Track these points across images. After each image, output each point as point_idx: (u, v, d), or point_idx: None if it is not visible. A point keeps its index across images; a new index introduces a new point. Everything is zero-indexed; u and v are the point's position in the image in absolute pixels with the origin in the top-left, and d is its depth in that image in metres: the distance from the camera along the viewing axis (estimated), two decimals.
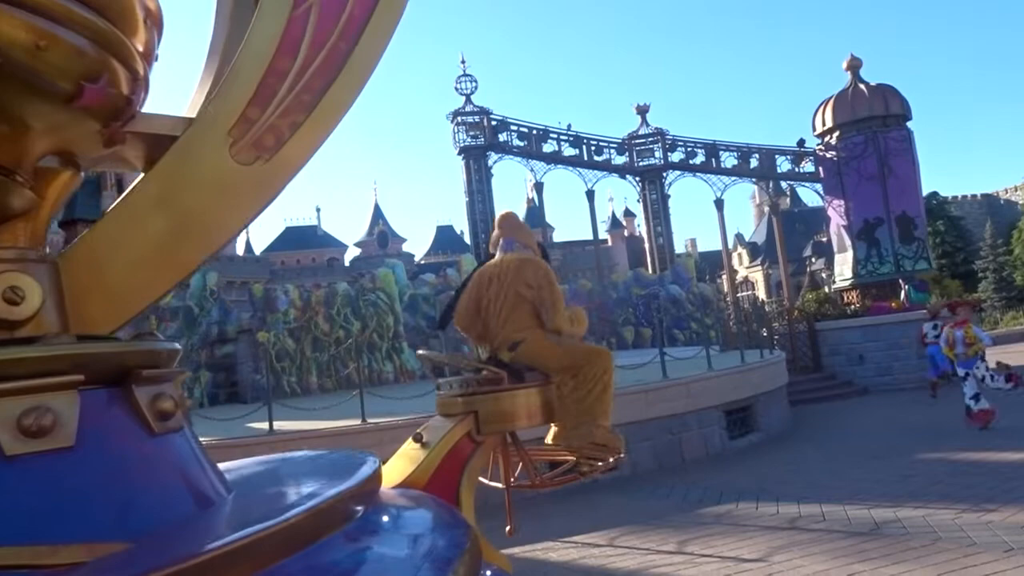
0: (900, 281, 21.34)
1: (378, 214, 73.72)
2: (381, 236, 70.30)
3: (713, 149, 26.18)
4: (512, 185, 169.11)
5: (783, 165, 25.69)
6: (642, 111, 26.94)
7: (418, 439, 2.87)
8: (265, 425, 9.98)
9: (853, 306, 22.40)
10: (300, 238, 69.10)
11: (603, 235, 57.98)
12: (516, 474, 3.13)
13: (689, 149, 26.45)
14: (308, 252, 67.87)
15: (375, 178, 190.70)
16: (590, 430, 2.99)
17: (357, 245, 72.31)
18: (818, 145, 24.35)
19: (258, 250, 67.42)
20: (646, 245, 29.11)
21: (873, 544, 6.24)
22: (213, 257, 1.60)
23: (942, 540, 6.10)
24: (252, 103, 1.49)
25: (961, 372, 11.62)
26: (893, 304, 20.78)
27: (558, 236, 63.56)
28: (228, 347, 19.21)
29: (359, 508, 1.50)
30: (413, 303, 21.18)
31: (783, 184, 30.17)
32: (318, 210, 78.26)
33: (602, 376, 3.02)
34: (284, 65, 1.52)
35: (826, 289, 28.28)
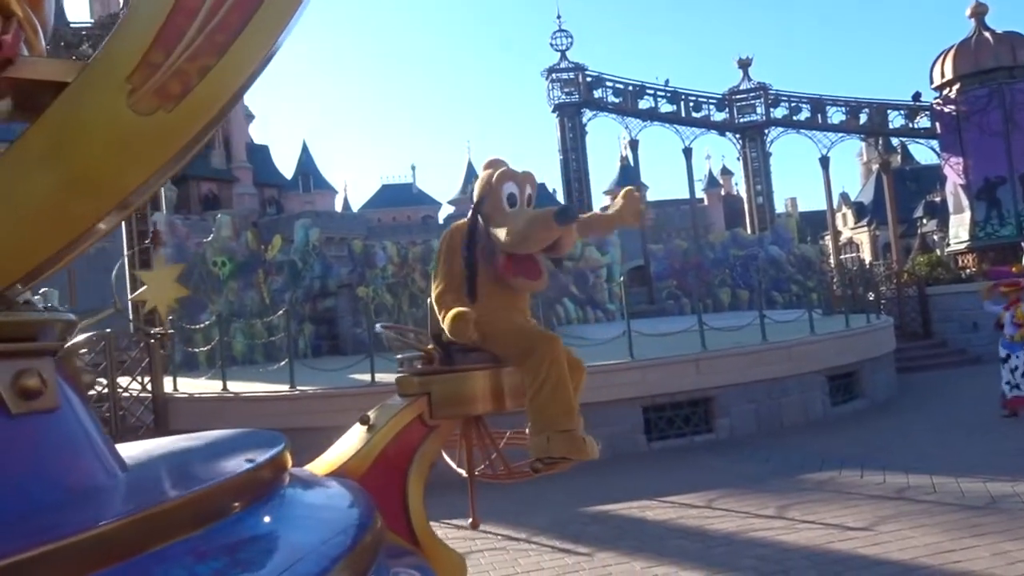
0: (1022, 244, 20.03)
1: (471, 172, 73.99)
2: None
3: (819, 104, 25.04)
4: (606, 143, 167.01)
5: (896, 120, 24.38)
6: (744, 65, 25.99)
7: (364, 421, 2.63)
8: (367, 376, 10.32)
9: (968, 270, 21.22)
10: (396, 195, 70.36)
11: (699, 194, 56.61)
12: (489, 461, 2.90)
13: (793, 104, 25.39)
14: (403, 209, 69.05)
15: (468, 137, 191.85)
16: (544, 441, 2.59)
17: (451, 203, 73.05)
18: (936, 99, 22.92)
19: (355, 207, 69.07)
20: (745, 205, 28.29)
21: (989, 519, 5.98)
22: (117, 212, 1.41)
23: None
24: (155, 45, 1.30)
25: (1003, 353, 10.34)
26: (1014, 269, 19.52)
27: (652, 195, 62.37)
28: (329, 301, 19.86)
29: (237, 502, 1.39)
30: None
31: (894, 141, 28.63)
32: (413, 168, 79.68)
33: (548, 369, 2.59)
34: (194, 1, 1.33)
35: (938, 252, 26.84)
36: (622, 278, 15.91)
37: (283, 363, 11.07)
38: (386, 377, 10.64)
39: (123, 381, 11.25)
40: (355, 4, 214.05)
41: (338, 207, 64.94)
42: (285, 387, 10.37)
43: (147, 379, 11.33)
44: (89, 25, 19.41)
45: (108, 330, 11.82)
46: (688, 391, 10.61)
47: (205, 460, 1.75)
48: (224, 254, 18.59)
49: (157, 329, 10.41)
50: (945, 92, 22.43)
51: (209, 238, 18.97)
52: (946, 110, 22.25)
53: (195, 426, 10.70)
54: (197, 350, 14.95)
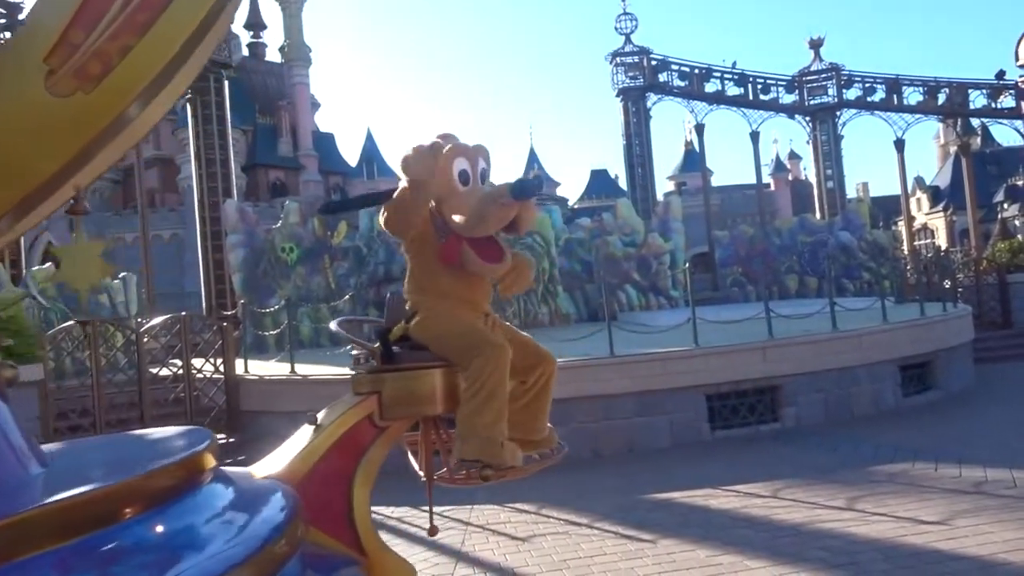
0: None
1: (533, 158, 74.01)
2: (536, 179, 70.72)
3: (895, 84, 24.16)
4: (671, 127, 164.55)
5: (977, 100, 23.38)
6: (815, 45, 25.23)
7: (311, 421, 2.48)
8: None
9: None
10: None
11: (766, 179, 55.32)
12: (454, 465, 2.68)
13: (868, 85, 24.57)
14: None
15: (531, 121, 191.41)
16: (462, 445, 2.46)
17: None
18: (1021, 77, 21.86)
19: None
20: (814, 190, 27.55)
21: None
22: (51, 199, 1.32)
23: None
24: (75, 24, 1.22)
25: None
26: None
27: (717, 180, 61.24)
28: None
29: (128, 508, 1.30)
30: (568, 247, 21.21)
31: (974, 122, 27.43)
32: None
33: (488, 377, 2.43)
34: None
35: (1020, 238, 25.66)
36: (686, 264, 15.71)
37: (349, 347, 11.26)
38: None
39: (197, 363, 11.64)
40: None
41: None
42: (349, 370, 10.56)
43: (220, 361, 11.70)
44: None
45: (184, 312, 12.25)
46: (754, 379, 10.43)
47: (111, 463, 1.64)
48: (292, 240, 19.00)
49: (231, 312, 10.73)
50: None
51: (277, 225, 19.42)
52: None
53: (265, 407, 11.00)
54: (267, 333, 15.36)
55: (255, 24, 57.19)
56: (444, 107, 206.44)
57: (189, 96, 19.32)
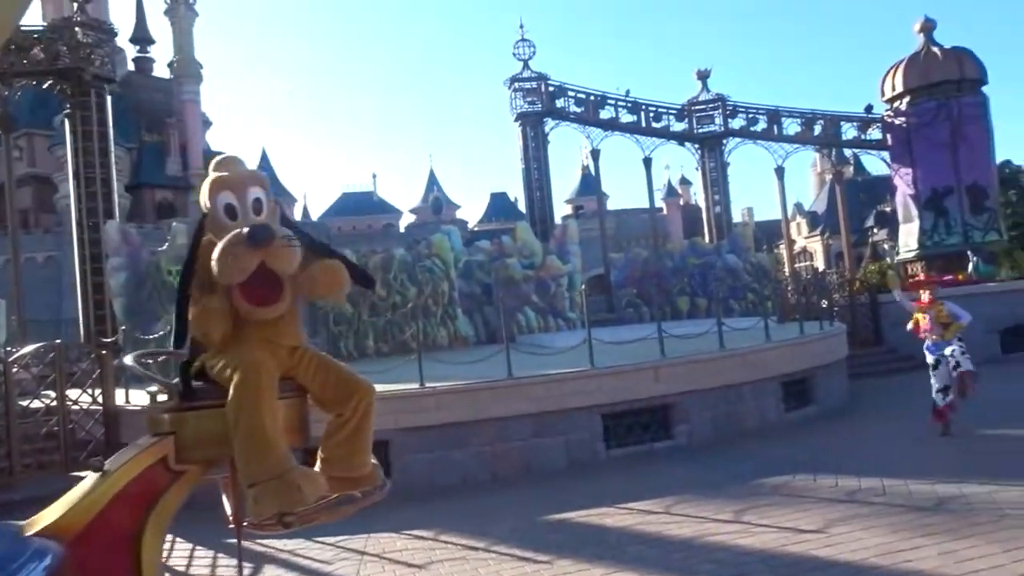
0: (968, 253, 20.65)
1: (433, 181, 74.00)
2: (435, 203, 70.68)
3: (775, 115, 25.54)
4: (568, 152, 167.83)
5: (848, 132, 24.96)
6: (703, 76, 26.39)
7: (98, 467, 2.27)
8: None
9: (917, 278, 21.76)
10: (356, 204, 69.90)
11: (658, 203, 57.19)
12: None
13: (750, 115, 25.86)
14: (364, 218, 68.57)
15: (430, 145, 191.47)
16: (252, 503, 2.29)
17: (412, 212, 72.81)
18: (886, 111, 23.56)
19: (315, 216, 68.49)
20: (703, 214, 28.67)
21: (937, 519, 6.15)
22: None
23: (1009, 517, 5.98)
24: None
25: (931, 359, 9.79)
26: (959, 277, 20.13)
27: (612, 204, 62.96)
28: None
29: None
30: (467, 269, 21.29)
31: (847, 152, 29.31)
32: (374, 176, 79.16)
33: (243, 400, 2.23)
34: None
35: (888, 260, 27.50)
36: (583, 287, 16.04)
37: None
38: None
39: (73, 393, 10.98)
40: (315, 11, 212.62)
41: (297, 216, 64.31)
42: None
43: (98, 392, 11.07)
44: (41, 28, 18.97)
45: (58, 340, 11.54)
46: (647, 398, 10.71)
47: None
48: (179, 263, 18.25)
49: (111, 339, 10.19)
50: (895, 105, 23.05)
51: (164, 247, 18.64)
52: (896, 122, 22.87)
53: None
54: (150, 361, 14.64)
55: (142, 38, 55.00)
56: (342, 128, 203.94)
57: (67, 111, 18.38)
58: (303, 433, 2.39)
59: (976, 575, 4.87)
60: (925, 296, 10.11)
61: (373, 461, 2.73)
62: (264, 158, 62.62)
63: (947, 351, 9.63)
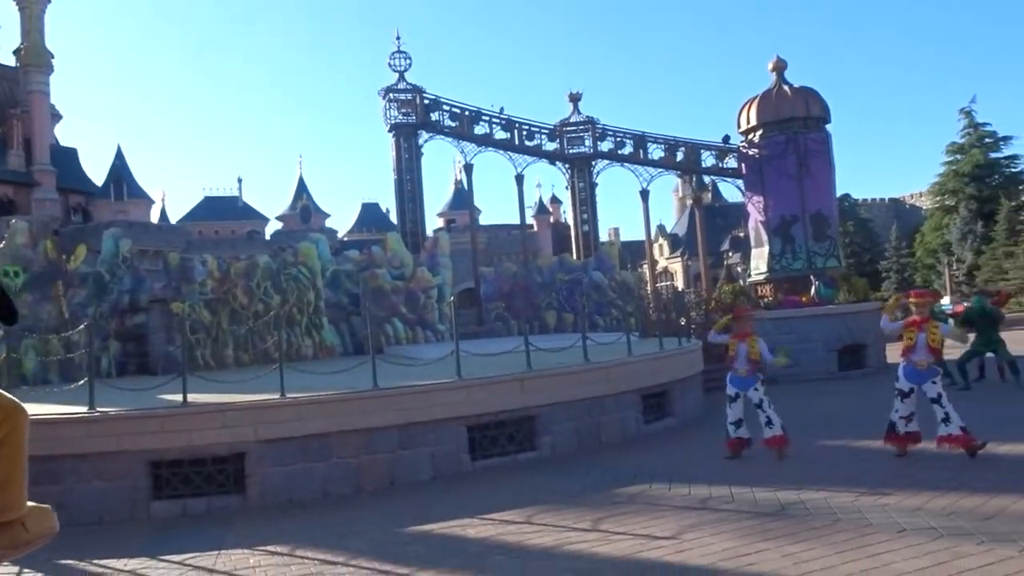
0: (811, 277, 22.22)
1: (302, 188, 72.15)
2: (304, 211, 68.83)
3: (641, 140, 26.60)
4: (441, 165, 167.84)
5: (707, 160, 26.32)
6: (575, 99, 27.13)
7: None
8: (179, 397, 9.68)
9: (766, 299, 23.22)
10: (220, 208, 67.05)
11: (529, 220, 58.25)
12: None
13: (618, 139, 26.80)
14: (228, 223, 65.83)
15: (300, 151, 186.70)
16: None
17: (279, 219, 70.61)
18: (741, 142, 25.04)
19: (174, 219, 65.14)
20: (572, 232, 29.41)
21: (778, 524, 6.52)
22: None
23: (841, 521, 6.43)
24: None
25: (732, 392, 9.79)
26: (803, 299, 21.63)
27: (484, 219, 63.55)
28: (140, 317, 18.51)
29: None
30: (335, 279, 20.86)
31: (706, 178, 30.91)
32: (240, 181, 76.11)
33: None
34: None
35: (741, 282, 29.21)
36: (452, 299, 16.05)
37: (82, 382, 10.15)
38: (200, 397, 10.04)
39: None
40: (183, 5, 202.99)
41: (155, 218, 60.96)
42: (83, 408, 9.51)
43: None
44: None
45: None
46: (513, 410, 10.81)
47: None
48: (17, 263, 16.88)
49: None
50: (749, 137, 24.56)
51: (1, 245, 17.16)
52: (750, 153, 24.36)
53: None
54: None
55: None
56: (207, 129, 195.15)
57: None
58: None
59: (812, 575, 5.19)
60: (741, 325, 10.06)
61: (43, 505, 2.23)
62: (119, 155, 58.92)
63: (754, 392, 9.58)
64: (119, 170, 57.81)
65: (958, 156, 54.14)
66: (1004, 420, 10.70)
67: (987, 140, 53.51)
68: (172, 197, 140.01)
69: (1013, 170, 53.04)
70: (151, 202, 61.04)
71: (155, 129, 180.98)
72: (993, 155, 53.25)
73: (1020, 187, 51.90)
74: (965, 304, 18.32)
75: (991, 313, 15.24)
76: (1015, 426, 10.15)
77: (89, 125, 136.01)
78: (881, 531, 6.03)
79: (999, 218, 47.99)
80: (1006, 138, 53.70)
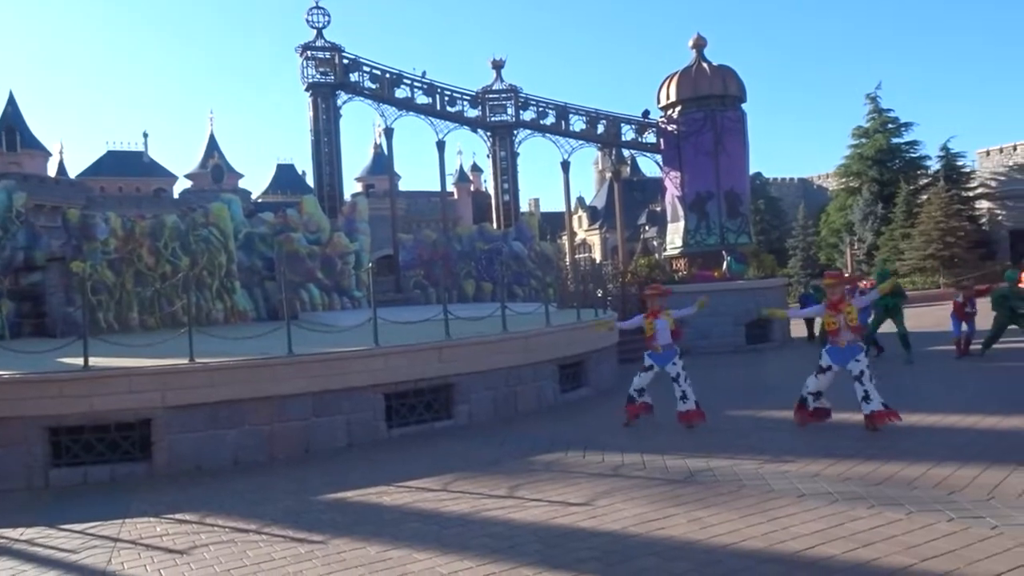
0: (723, 252, 22.89)
1: (213, 145, 69.47)
2: (216, 169, 66.38)
3: (563, 111, 26.64)
4: (360, 128, 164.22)
5: (627, 134, 26.58)
6: (497, 66, 26.89)
7: None
8: (79, 360, 9.25)
9: (680, 273, 23.82)
10: (123, 164, 63.91)
11: (450, 187, 57.83)
12: None
13: (541, 109, 26.74)
14: (132, 180, 62.99)
15: (211, 106, 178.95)
16: None
17: (188, 177, 67.94)
18: (661, 117, 25.40)
19: (73, 173, 61.75)
20: (492, 201, 29.33)
21: (687, 490, 6.76)
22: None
23: (746, 487, 6.71)
24: None
25: (648, 363, 10.19)
26: (716, 273, 22.29)
27: (404, 185, 62.76)
28: (35, 276, 17.54)
29: None
30: (249, 242, 20.22)
31: (625, 152, 31.30)
32: (145, 136, 72.48)
33: None
34: None
35: (657, 256, 29.84)
36: (370, 265, 15.82)
37: None
38: (101, 361, 9.63)
39: None
40: None
41: (52, 171, 57.67)
42: None
43: None
44: None
45: None
46: (430, 378, 10.79)
47: None
48: None
49: None
50: (668, 112, 24.94)
51: None
52: (668, 129, 24.76)
53: None
54: None
55: None
56: (109, 78, 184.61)
57: None
58: None
59: (718, 539, 5.40)
60: (655, 303, 10.27)
61: None
62: (11, 101, 55.34)
63: (672, 367, 9.91)
64: (11, 118, 54.41)
65: (863, 140, 56.44)
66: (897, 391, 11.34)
67: (890, 126, 55.92)
68: (71, 150, 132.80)
69: (912, 155, 55.66)
70: (48, 154, 57.79)
71: (52, 78, 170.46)
72: (895, 140, 55.73)
73: (918, 172, 54.58)
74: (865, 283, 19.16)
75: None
76: (904, 399, 10.77)
77: None
78: (782, 496, 6.32)
79: (898, 201, 50.42)
80: (907, 124, 56.23)
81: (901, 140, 56.02)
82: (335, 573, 5.19)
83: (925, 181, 53.17)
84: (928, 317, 22.05)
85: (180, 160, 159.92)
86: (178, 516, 6.94)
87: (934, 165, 54.09)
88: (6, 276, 17.17)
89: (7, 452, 8.56)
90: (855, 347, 8.86)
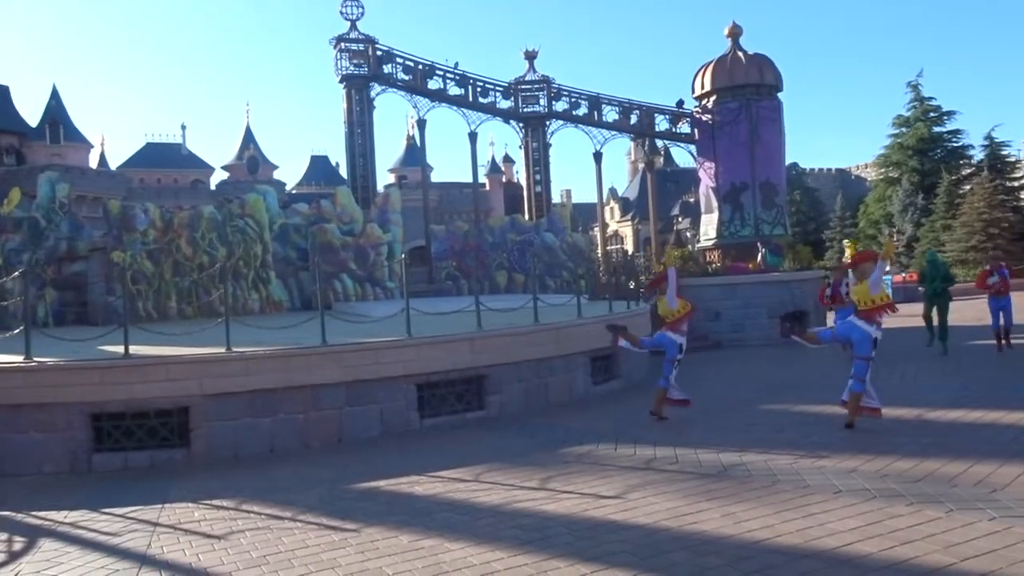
0: (758, 244, 22.61)
1: (249, 137, 70.16)
2: (251, 161, 67.10)
3: (596, 102, 26.48)
4: (394, 119, 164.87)
5: (661, 124, 26.37)
6: (530, 56, 26.80)
7: None
8: (120, 348, 9.44)
9: (714, 265, 23.58)
10: (162, 156, 64.94)
11: (482, 179, 57.88)
12: None
13: (573, 100, 26.63)
14: (170, 172, 63.98)
15: (248, 99, 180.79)
16: None
17: (225, 168, 68.77)
18: (695, 107, 25.14)
19: (114, 165, 62.90)
20: (524, 192, 29.30)
21: (720, 485, 6.70)
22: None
23: (780, 482, 6.64)
24: None
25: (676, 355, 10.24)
26: (750, 265, 22.03)
27: (436, 176, 62.95)
28: (78, 265, 17.94)
29: None
30: (283, 232, 20.46)
31: (659, 143, 31.03)
32: (183, 128, 73.61)
33: None
34: None
35: (690, 247, 29.57)
36: (403, 256, 15.90)
37: (17, 331, 9.82)
38: (142, 349, 9.81)
39: None
40: None
41: (93, 163, 58.83)
42: (18, 358, 9.21)
43: None
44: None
45: None
46: (462, 369, 10.83)
47: None
48: None
49: None
50: (703, 102, 24.66)
51: None
52: (703, 119, 24.50)
53: None
54: None
55: None
56: (151, 72, 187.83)
57: None
58: None
59: (751, 534, 5.35)
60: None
61: None
62: (55, 95, 56.47)
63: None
64: (55, 111, 55.51)
65: (903, 129, 55.34)
66: (935, 388, 11.12)
67: (932, 114, 54.76)
68: (112, 142, 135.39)
69: (955, 144, 54.49)
70: (90, 146, 58.87)
71: (94, 71, 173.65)
72: (937, 129, 54.57)
73: (960, 162, 53.41)
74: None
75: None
76: (943, 393, 10.57)
77: (23, 65, 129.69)
78: (818, 492, 6.24)
79: (939, 191, 49.40)
80: (950, 113, 55.06)
81: (943, 129, 54.84)
82: (368, 561, 5.24)
83: (968, 171, 51.98)
84: (970, 311, 21.58)
85: (217, 152, 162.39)
86: (215, 502, 7.07)
87: (978, 154, 52.88)
88: (50, 265, 17.58)
89: (52, 437, 8.78)
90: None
